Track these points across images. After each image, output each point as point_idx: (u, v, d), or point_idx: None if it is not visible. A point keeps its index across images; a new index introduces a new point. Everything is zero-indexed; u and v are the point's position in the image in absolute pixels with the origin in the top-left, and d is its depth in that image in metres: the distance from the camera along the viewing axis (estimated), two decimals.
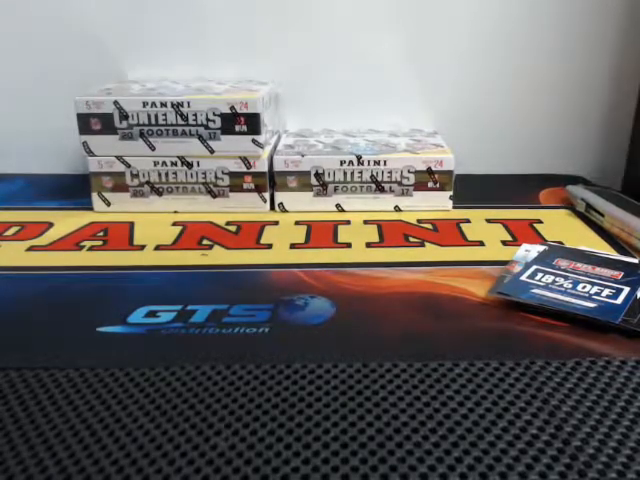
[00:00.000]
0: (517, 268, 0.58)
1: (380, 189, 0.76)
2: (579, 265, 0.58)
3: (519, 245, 0.65)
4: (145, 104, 0.72)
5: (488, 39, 0.88)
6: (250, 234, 0.69)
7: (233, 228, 0.71)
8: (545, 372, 0.43)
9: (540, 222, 0.73)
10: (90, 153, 0.74)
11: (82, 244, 0.66)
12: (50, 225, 0.71)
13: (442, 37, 0.87)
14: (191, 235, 0.69)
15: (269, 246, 0.66)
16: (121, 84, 0.81)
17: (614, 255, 0.62)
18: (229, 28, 0.86)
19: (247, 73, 0.88)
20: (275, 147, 0.81)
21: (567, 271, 0.57)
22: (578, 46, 0.88)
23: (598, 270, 0.57)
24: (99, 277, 0.59)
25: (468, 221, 0.73)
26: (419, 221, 0.73)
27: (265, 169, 0.75)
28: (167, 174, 0.75)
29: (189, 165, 0.75)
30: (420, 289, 0.56)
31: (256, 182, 0.75)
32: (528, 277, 0.56)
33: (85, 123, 0.72)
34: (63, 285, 0.57)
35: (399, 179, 0.76)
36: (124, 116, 0.72)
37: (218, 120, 0.72)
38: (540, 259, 0.60)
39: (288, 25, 0.86)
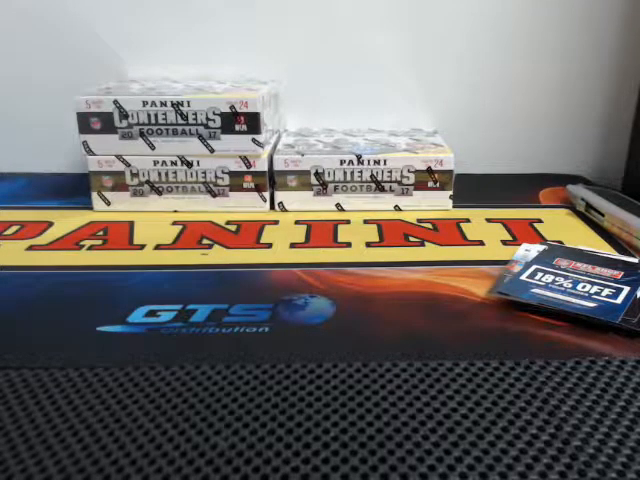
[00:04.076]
0: (517, 268, 0.58)
1: (380, 188, 0.76)
2: (579, 265, 0.58)
3: (519, 245, 0.65)
4: (145, 103, 0.72)
5: (488, 39, 0.88)
6: (250, 233, 0.69)
7: (233, 227, 0.71)
8: (545, 372, 0.43)
9: (540, 222, 0.73)
10: (90, 152, 0.74)
11: (82, 243, 0.66)
12: (50, 224, 0.71)
13: (442, 37, 0.87)
14: (191, 234, 0.69)
15: (269, 245, 0.66)
16: (121, 83, 0.81)
17: (614, 255, 0.62)
18: (229, 27, 0.86)
19: (247, 72, 0.88)
20: (275, 146, 0.81)
21: (567, 271, 0.57)
22: (578, 46, 0.88)
23: (598, 270, 0.57)
24: (99, 277, 0.59)
25: (468, 221, 0.73)
26: (419, 221, 0.73)
27: (265, 168, 0.75)
28: (167, 173, 0.75)
29: (189, 164, 0.75)
30: (420, 289, 0.56)
31: (256, 181, 0.75)
32: (528, 277, 0.56)
33: (85, 122, 0.72)
34: (63, 285, 0.57)
35: (399, 178, 0.76)
36: (124, 115, 0.72)
37: (218, 119, 0.72)
38: (540, 259, 0.60)
39: (288, 24, 0.86)
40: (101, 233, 0.69)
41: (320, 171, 0.75)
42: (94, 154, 0.74)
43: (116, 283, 0.57)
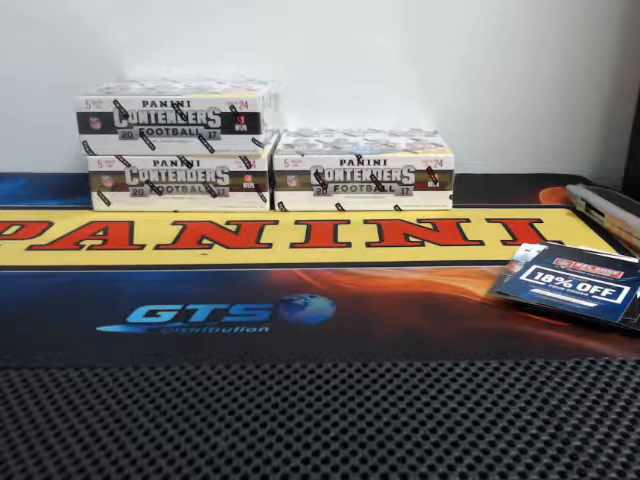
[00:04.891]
0: (517, 268, 0.58)
1: (380, 188, 0.76)
2: (579, 265, 0.58)
3: (519, 245, 0.65)
4: (145, 103, 0.72)
5: (488, 39, 0.88)
6: (250, 233, 0.69)
7: (233, 227, 0.71)
8: (545, 372, 0.43)
9: (540, 222, 0.73)
10: (90, 152, 0.74)
11: (82, 243, 0.66)
12: (50, 224, 0.71)
13: (442, 37, 0.87)
14: (191, 234, 0.69)
15: (269, 245, 0.66)
16: (121, 83, 0.81)
17: (614, 255, 0.62)
18: (229, 27, 0.86)
19: (247, 72, 0.88)
20: (275, 146, 0.81)
21: (567, 271, 0.57)
22: (578, 46, 0.88)
23: (598, 270, 0.57)
24: (99, 276, 0.59)
25: (468, 220, 0.73)
26: (419, 220, 0.73)
27: (265, 168, 0.75)
28: (167, 173, 0.75)
29: (189, 164, 0.75)
30: (420, 289, 0.56)
31: (256, 181, 0.75)
32: (528, 277, 0.56)
33: (85, 122, 0.72)
34: (63, 285, 0.57)
35: (399, 178, 0.76)
36: (124, 115, 0.72)
37: (218, 119, 0.72)
38: (540, 259, 0.60)
39: (288, 24, 0.86)
40: (101, 233, 0.69)
41: (320, 171, 0.75)
42: (94, 154, 0.74)
43: (116, 283, 0.57)
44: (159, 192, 0.76)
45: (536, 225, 0.72)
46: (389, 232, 0.70)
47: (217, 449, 0.35)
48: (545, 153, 0.93)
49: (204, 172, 0.75)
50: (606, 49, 0.88)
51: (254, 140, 0.73)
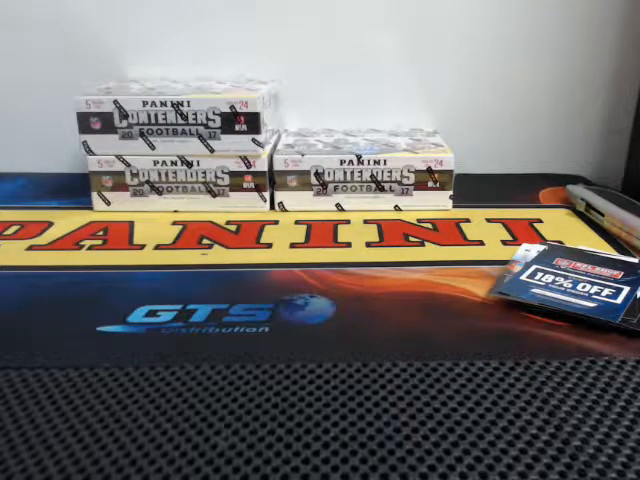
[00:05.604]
0: (517, 268, 0.58)
1: (380, 188, 0.76)
2: (579, 265, 0.58)
3: (519, 245, 0.65)
4: (145, 103, 0.72)
5: (488, 39, 0.88)
6: (250, 233, 0.69)
7: (233, 227, 0.71)
8: (545, 372, 0.43)
9: (540, 222, 0.73)
10: (90, 152, 0.74)
11: (82, 243, 0.66)
12: (50, 224, 0.71)
13: (442, 37, 0.87)
14: (191, 234, 0.69)
15: (269, 245, 0.66)
16: (121, 83, 0.81)
17: (614, 255, 0.62)
18: (229, 27, 0.86)
19: (247, 72, 0.88)
20: (275, 146, 0.81)
21: (567, 271, 0.57)
22: (578, 46, 0.88)
23: (598, 270, 0.57)
24: (99, 277, 0.59)
25: (468, 221, 0.73)
26: (419, 221, 0.73)
27: (265, 168, 0.75)
28: (167, 173, 0.75)
29: (189, 164, 0.75)
30: (420, 289, 0.56)
31: (256, 181, 0.75)
32: (528, 277, 0.56)
33: (85, 122, 0.72)
34: (63, 285, 0.57)
35: (399, 178, 0.76)
36: (124, 115, 0.72)
37: (218, 119, 0.72)
38: (540, 259, 0.60)
39: (288, 24, 0.86)
40: (101, 233, 0.69)
41: (320, 171, 0.75)
42: (94, 154, 0.74)
43: (116, 283, 0.57)
44: (159, 192, 0.76)
45: (536, 225, 0.72)
46: (389, 232, 0.70)
47: (217, 449, 0.35)
48: (545, 153, 0.93)
49: (204, 172, 0.75)
50: (606, 49, 0.88)
51: (254, 140, 0.73)
